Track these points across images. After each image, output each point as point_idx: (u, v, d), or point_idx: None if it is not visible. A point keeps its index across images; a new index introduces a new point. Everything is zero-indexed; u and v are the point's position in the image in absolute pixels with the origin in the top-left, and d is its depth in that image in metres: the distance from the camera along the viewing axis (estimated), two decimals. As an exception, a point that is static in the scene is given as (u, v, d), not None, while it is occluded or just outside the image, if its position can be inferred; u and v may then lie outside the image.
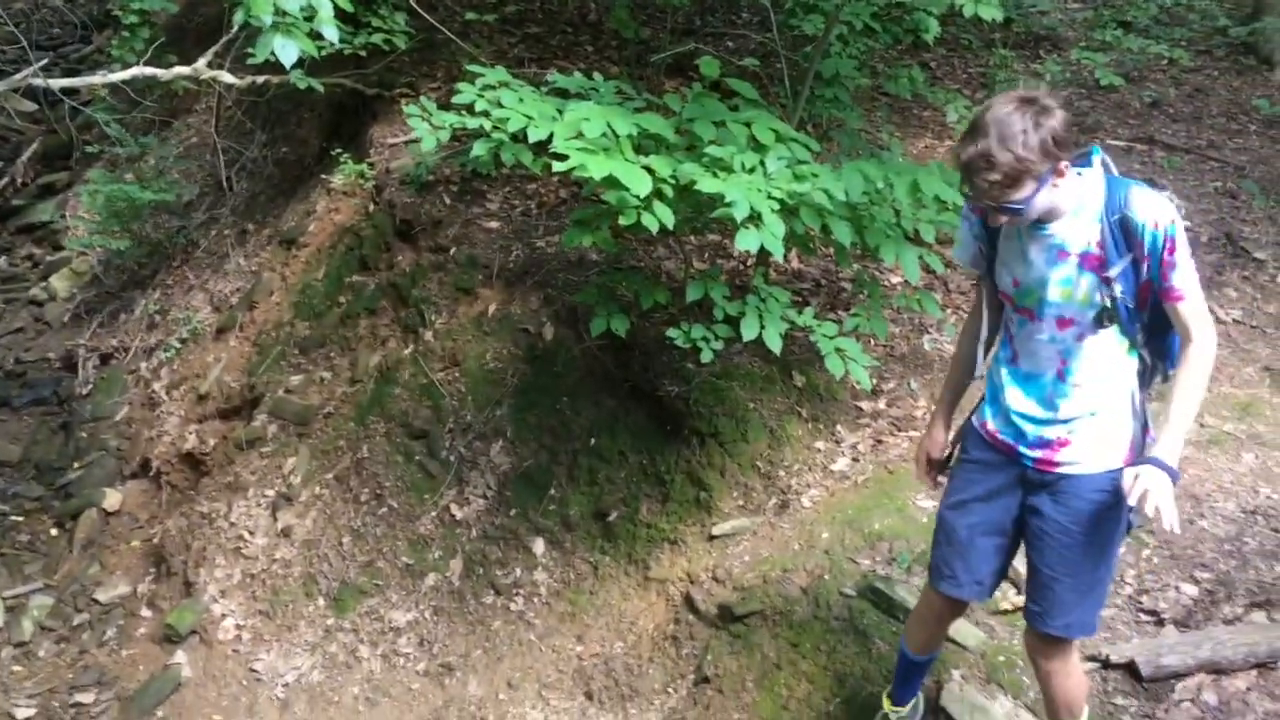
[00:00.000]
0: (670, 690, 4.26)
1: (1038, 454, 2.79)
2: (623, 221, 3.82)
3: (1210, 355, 2.61)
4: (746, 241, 3.58)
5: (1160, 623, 3.67)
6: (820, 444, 4.71)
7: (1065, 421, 2.75)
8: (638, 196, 3.72)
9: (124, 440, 6.78)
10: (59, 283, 8.73)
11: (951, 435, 3.10)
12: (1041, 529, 2.83)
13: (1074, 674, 3.06)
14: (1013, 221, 2.58)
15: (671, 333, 4.33)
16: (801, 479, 4.56)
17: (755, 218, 3.62)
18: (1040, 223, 2.61)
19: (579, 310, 5.14)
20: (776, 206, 3.68)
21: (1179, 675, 3.44)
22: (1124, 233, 2.58)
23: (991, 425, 2.90)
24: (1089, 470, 2.75)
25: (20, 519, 6.28)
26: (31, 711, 5.10)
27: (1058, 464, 2.77)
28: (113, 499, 6.23)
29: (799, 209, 3.92)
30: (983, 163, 2.42)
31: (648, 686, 4.31)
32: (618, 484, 4.87)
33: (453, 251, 5.83)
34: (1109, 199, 2.60)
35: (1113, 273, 2.58)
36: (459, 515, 5.16)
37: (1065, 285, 2.64)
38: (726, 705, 4.03)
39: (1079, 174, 2.60)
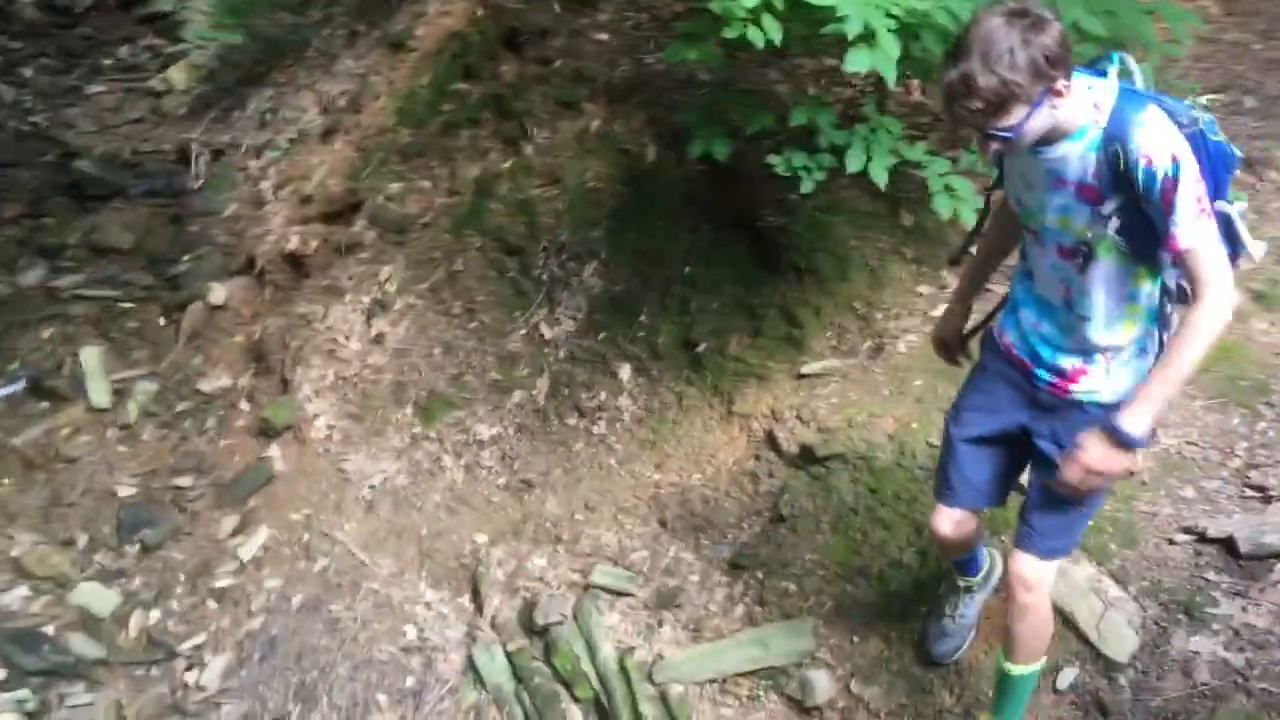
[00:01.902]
0: (744, 525, 4.22)
1: (1053, 379, 2.63)
2: (727, 34, 3.57)
3: (1218, 319, 2.27)
4: (857, 62, 3.31)
5: (1267, 500, 3.47)
6: (923, 288, 4.49)
7: (1080, 354, 2.57)
8: (745, 8, 3.46)
9: (231, 236, 6.86)
10: (177, 75, 8.75)
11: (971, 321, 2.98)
12: (1046, 452, 2.66)
13: (1047, 615, 2.94)
14: (1005, 149, 2.28)
15: (772, 159, 4.11)
16: (899, 323, 4.38)
17: (868, 36, 3.34)
18: (1040, 143, 2.32)
19: (683, 132, 4.92)
20: (894, 25, 3.38)
21: (1280, 556, 3.26)
22: (1113, 167, 2.27)
23: (1009, 338, 2.74)
24: (1104, 400, 2.58)
25: (130, 306, 6.44)
26: (133, 491, 5.33)
27: (1070, 391, 2.61)
28: (218, 293, 6.33)
29: (920, 31, 3.61)
30: (962, 87, 2.13)
31: (722, 520, 4.28)
32: (709, 315, 4.75)
33: (558, 63, 5.63)
34: (1111, 124, 2.28)
35: (1108, 208, 2.31)
36: (548, 335, 5.12)
37: (1062, 213, 2.41)
38: (799, 545, 3.99)
39: (1089, 88, 2.29)
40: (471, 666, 4.32)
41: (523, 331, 5.18)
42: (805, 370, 4.39)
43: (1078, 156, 2.32)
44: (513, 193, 5.47)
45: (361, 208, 6.09)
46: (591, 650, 4.10)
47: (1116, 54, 2.35)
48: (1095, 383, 2.57)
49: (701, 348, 4.70)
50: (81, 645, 4.65)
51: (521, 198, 5.41)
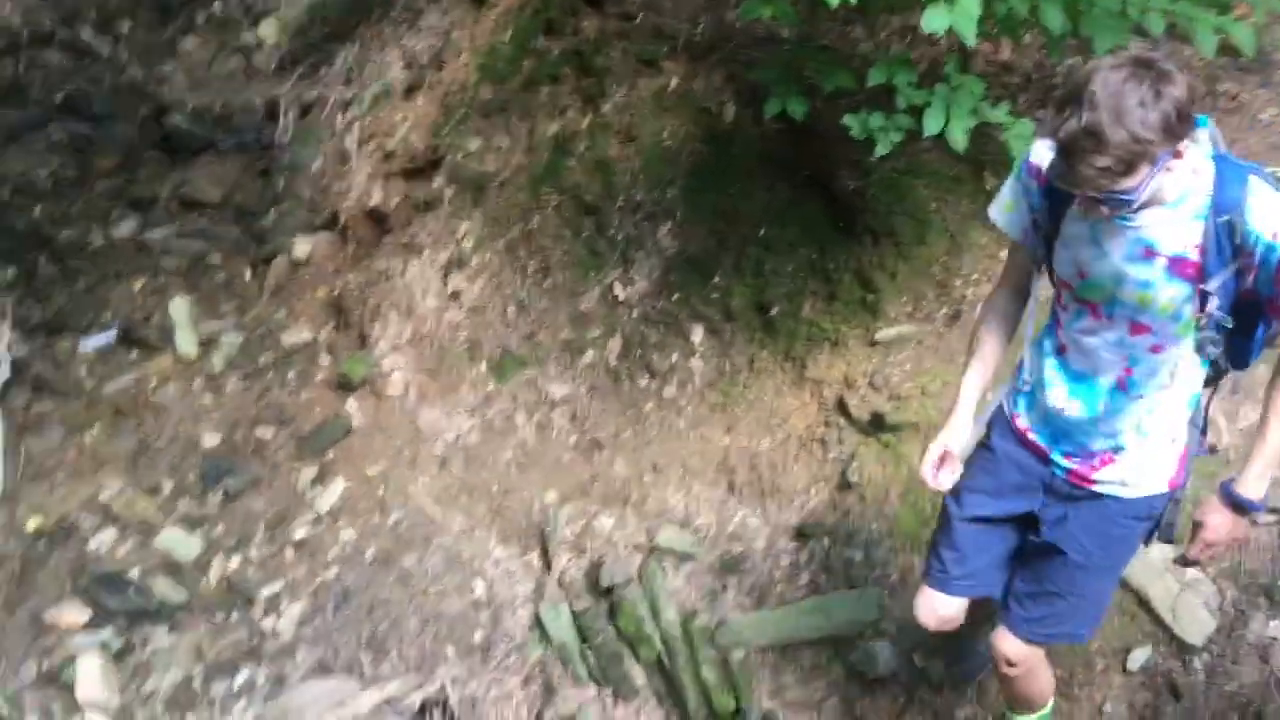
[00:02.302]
0: (812, 491, 4.18)
1: (1073, 465, 2.46)
2: (801, -10, 3.47)
3: None
4: (934, 22, 3.18)
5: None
6: (1004, 254, 4.36)
7: (1114, 435, 2.38)
8: (820, -36, 3.35)
9: (317, 191, 6.94)
10: (268, 30, 8.83)
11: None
12: (1056, 544, 2.50)
13: (1040, 672, 2.81)
14: (1113, 213, 2.08)
15: (848, 120, 4.00)
16: (978, 290, 4.25)
17: (948, -8, 3.21)
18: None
19: (761, 91, 4.82)
20: (975, -17, 3.25)
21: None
22: (1230, 238, 2.09)
23: (1023, 421, 2.54)
24: (1128, 495, 2.41)
25: (219, 259, 6.57)
26: (217, 440, 5.46)
27: (1095, 481, 2.44)
28: (302, 248, 6.43)
29: (1005, -12, 3.47)
30: (1090, 143, 1.91)
31: (790, 485, 4.24)
32: (783, 278, 4.67)
33: (638, 19, 5.54)
34: (1219, 193, 2.09)
35: (1212, 285, 2.13)
36: (621, 295, 5.09)
37: (1145, 289, 2.19)
38: (866, 513, 3.93)
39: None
40: (538, 623, 4.37)
41: (596, 291, 5.16)
42: (879, 336, 4.30)
43: (1178, 226, 2.13)
44: (590, 151, 5.43)
45: (441, 164, 6.11)
46: (655, 612, 4.12)
47: (1205, 117, 2.12)
48: (1122, 472, 2.41)
49: (775, 311, 4.63)
50: (165, 589, 4.81)
51: (598, 156, 5.37)
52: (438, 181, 6.02)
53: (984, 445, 2.63)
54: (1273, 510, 3.31)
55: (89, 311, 6.12)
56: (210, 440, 5.45)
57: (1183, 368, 2.29)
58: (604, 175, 5.32)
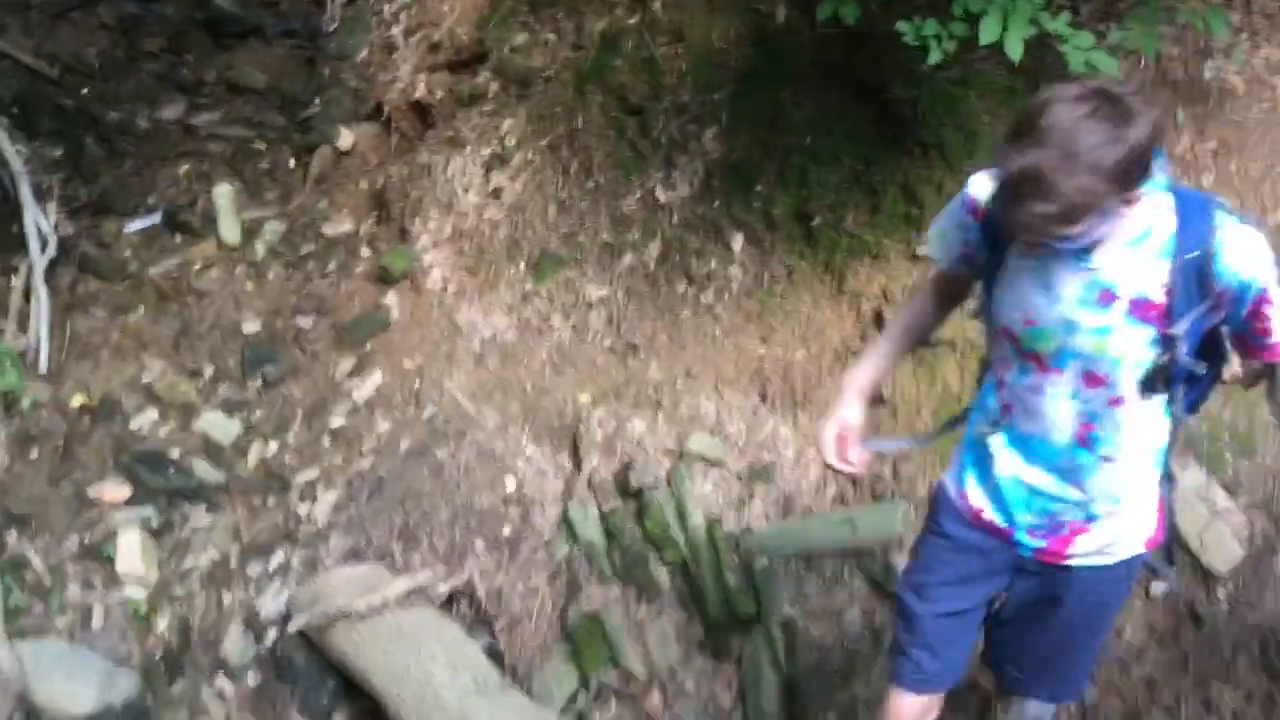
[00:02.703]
0: (844, 405, 4.16)
1: (1041, 543, 2.20)
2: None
3: None
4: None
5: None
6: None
7: (1084, 504, 2.13)
8: None
9: (361, 81, 6.88)
10: (317, -86, 8.72)
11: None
12: (1035, 615, 2.32)
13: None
14: (1048, 251, 1.89)
15: (901, 25, 3.88)
16: (1025, 207, 4.17)
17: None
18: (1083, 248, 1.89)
19: (814, -8, 4.70)
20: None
21: None
22: (1199, 277, 1.89)
23: (974, 500, 2.26)
24: (1106, 563, 2.20)
25: (263, 147, 6.57)
26: (257, 327, 5.52)
27: (1068, 555, 2.19)
28: (346, 138, 6.40)
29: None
30: (1031, 187, 1.71)
31: (822, 397, 4.23)
32: (827, 188, 4.59)
33: (692, -86, 5.39)
34: (1183, 229, 1.90)
35: (1179, 328, 1.91)
36: (663, 199, 5.04)
37: (1100, 335, 1.96)
38: (897, 429, 3.92)
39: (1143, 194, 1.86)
40: (566, 522, 4.43)
41: (638, 194, 5.11)
42: (921, 250, 4.23)
43: (1139, 267, 1.91)
44: (637, 50, 5.33)
45: (487, 58, 6.02)
46: (682, 516, 4.16)
47: (1157, 149, 1.85)
48: (1098, 541, 2.17)
49: (816, 221, 4.57)
50: (204, 470, 4.91)
51: (646, 55, 5.27)
52: (483, 76, 5.94)
53: (934, 533, 2.38)
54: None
55: (134, 194, 6.15)
56: (251, 327, 5.51)
57: (1151, 423, 2.08)
58: (650, 75, 5.23)
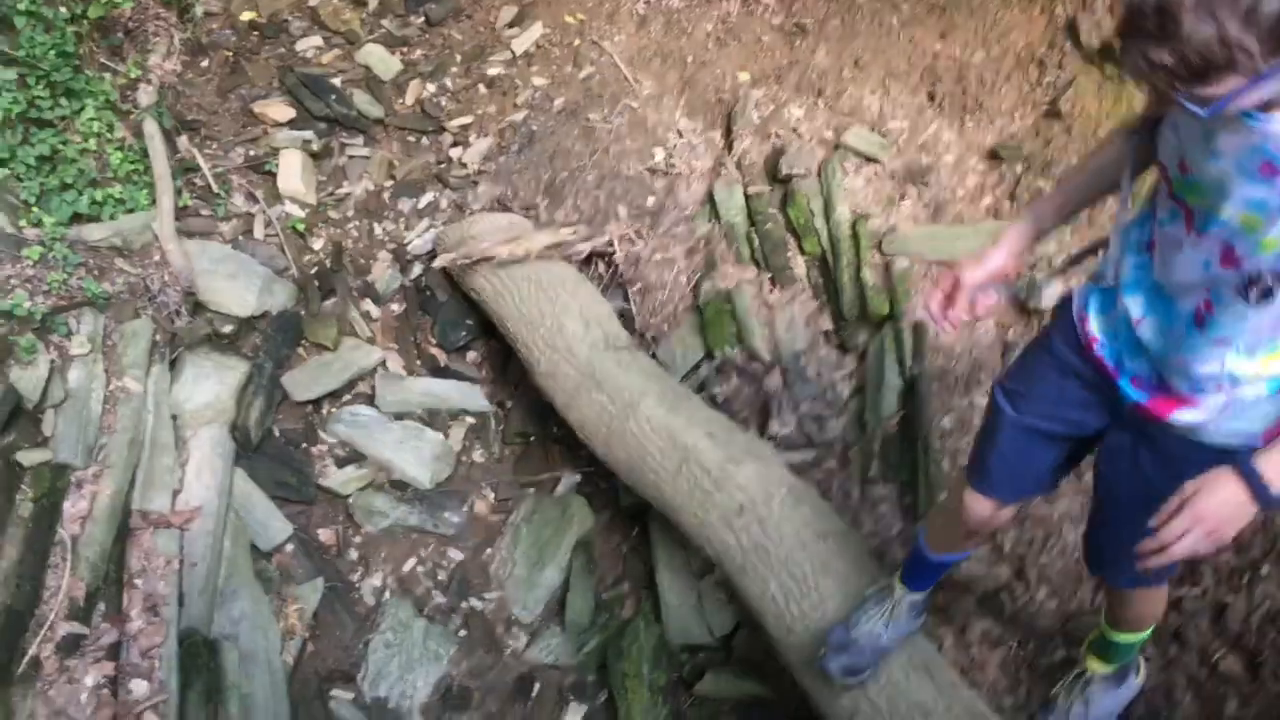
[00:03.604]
0: (1015, 115, 3.98)
1: (1143, 395, 1.93)
2: None
3: None
4: None
5: None
6: None
7: (1191, 378, 1.83)
8: None
9: None
10: None
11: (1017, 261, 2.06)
12: (1127, 476, 2.04)
13: (1152, 600, 2.41)
14: (1182, 110, 1.49)
15: None
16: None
17: None
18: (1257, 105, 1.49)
19: None
20: None
21: None
22: None
23: (1092, 326, 1.98)
24: (1210, 438, 1.88)
25: None
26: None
27: (1167, 417, 1.90)
28: None
29: None
30: (1154, 25, 1.35)
31: (994, 105, 4.04)
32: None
33: None
34: None
35: None
36: None
37: (1254, 210, 1.58)
38: (1069, 147, 3.76)
39: None
40: (710, 200, 4.42)
41: None
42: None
43: None
44: None
45: None
46: (828, 208, 4.10)
47: None
48: (1205, 415, 1.87)
49: (1023, -89, 4.20)
50: (364, 103, 4.99)
51: None
52: None
53: (1044, 346, 2.13)
54: None
55: None
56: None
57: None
58: None
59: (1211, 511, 1.57)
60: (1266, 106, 1.49)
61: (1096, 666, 2.60)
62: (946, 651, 3.11)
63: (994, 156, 3.93)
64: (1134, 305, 1.89)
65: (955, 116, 4.10)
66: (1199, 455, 1.85)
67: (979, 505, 2.29)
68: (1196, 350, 1.79)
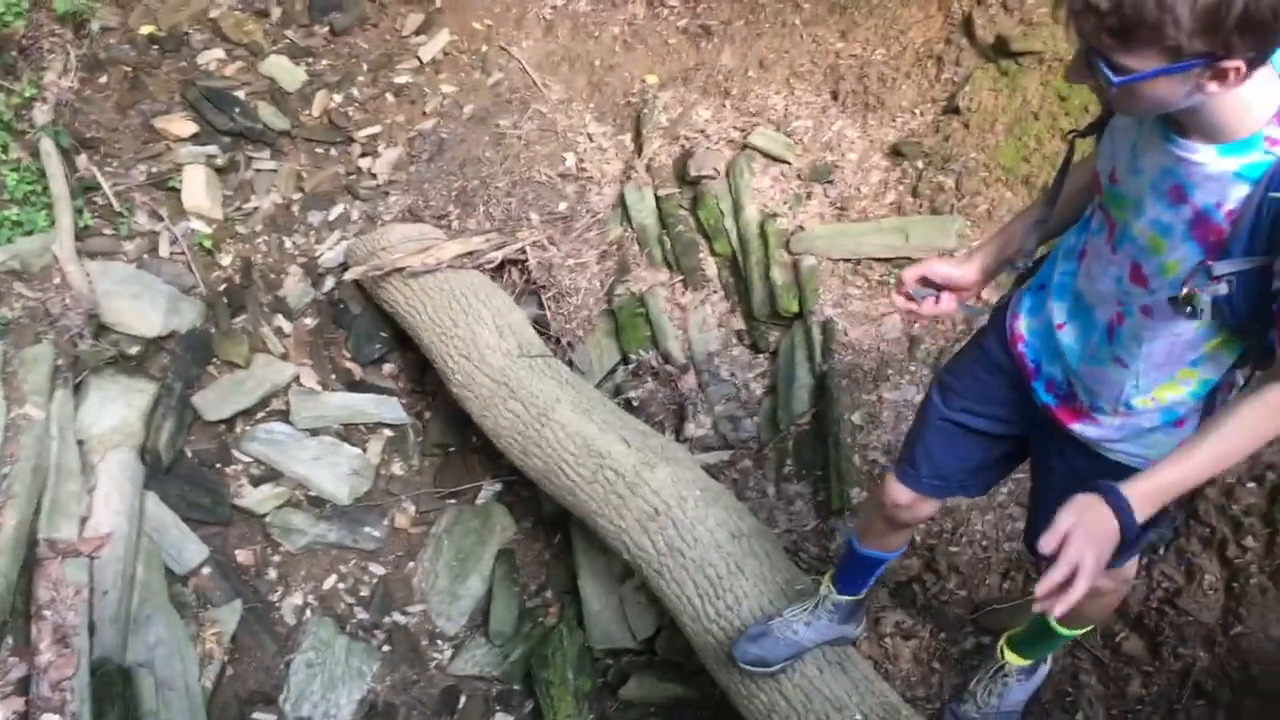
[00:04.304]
0: (916, 112, 4.04)
1: (1050, 400, 1.96)
2: None
3: None
4: None
5: None
6: None
7: (1093, 394, 1.86)
8: None
9: None
10: None
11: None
12: (1047, 467, 2.08)
13: (1104, 600, 2.33)
14: (1102, 92, 1.48)
15: None
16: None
17: None
18: (1179, 127, 1.52)
19: None
20: None
21: None
22: (1272, 229, 1.49)
23: (1021, 325, 2.00)
24: (1108, 454, 1.90)
25: None
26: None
27: (1069, 427, 1.93)
28: None
29: None
30: None
31: (895, 102, 4.10)
32: (935, -128, 4.25)
33: None
34: None
35: (1220, 268, 1.54)
36: None
37: (1159, 232, 1.61)
38: (967, 141, 3.82)
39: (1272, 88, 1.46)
40: (622, 203, 4.43)
41: None
42: (1024, -47, 3.96)
43: (1222, 177, 1.52)
44: None
45: None
46: (737, 209, 4.14)
47: None
48: (1101, 434, 1.90)
49: (918, -90, 4.27)
50: (269, 115, 4.93)
51: None
52: None
53: (978, 342, 2.15)
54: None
55: None
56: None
57: (1193, 349, 1.72)
58: None
59: (1073, 526, 1.51)
60: (1184, 130, 1.52)
61: (1014, 660, 2.62)
62: (860, 645, 3.15)
63: (896, 153, 3.99)
64: (1058, 311, 1.90)
65: (858, 115, 4.15)
66: (1099, 465, 1.89)
67: (898, 493, 2.30)
68: (1101, 362, 1.81)
